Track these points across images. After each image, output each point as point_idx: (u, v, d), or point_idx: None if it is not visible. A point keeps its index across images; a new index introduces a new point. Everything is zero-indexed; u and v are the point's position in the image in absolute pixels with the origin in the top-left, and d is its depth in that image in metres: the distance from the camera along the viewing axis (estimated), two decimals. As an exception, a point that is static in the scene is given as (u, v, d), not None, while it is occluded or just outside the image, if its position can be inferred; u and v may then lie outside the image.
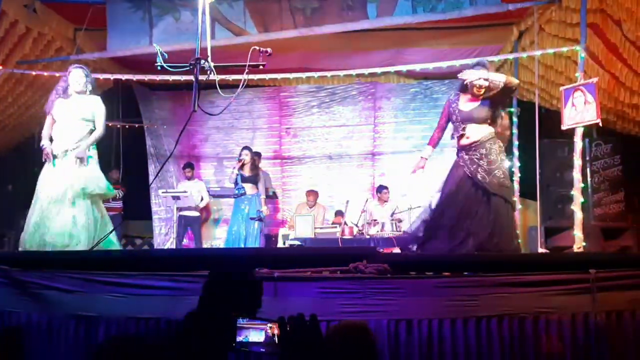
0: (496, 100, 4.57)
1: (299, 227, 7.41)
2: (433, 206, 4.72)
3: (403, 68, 7.03)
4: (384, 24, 6.60)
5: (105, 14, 6.63)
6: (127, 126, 9.21)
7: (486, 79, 4.47)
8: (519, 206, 7.19)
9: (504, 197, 4.52)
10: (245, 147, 7.47)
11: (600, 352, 3.03)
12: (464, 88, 4.64)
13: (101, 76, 7.28)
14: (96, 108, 4.92)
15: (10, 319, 3.20)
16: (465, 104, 4.65)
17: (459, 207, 4.54)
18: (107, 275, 3.22)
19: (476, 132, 4.57)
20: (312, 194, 8.54)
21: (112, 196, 5.61)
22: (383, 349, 3.07)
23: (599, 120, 5.04)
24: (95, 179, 4.83)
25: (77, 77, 4.92)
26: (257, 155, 8.27)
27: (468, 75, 4.55)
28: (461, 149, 4.65)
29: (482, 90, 4.51)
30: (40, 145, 4.90)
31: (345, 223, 7.55)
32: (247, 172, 7.23)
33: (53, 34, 7.04)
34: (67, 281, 3.23)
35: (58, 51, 7.31)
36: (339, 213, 8.31)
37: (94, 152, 4.93)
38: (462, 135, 4.62)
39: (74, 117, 4.86)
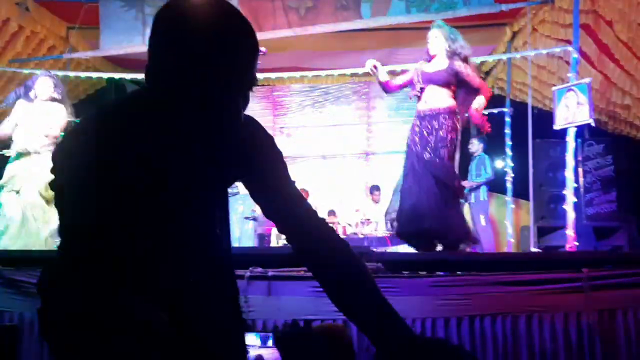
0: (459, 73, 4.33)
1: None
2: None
3: (397, 68, 6.99)
4: (378, 24, 6.60)
5: (98, 13, 6.59)
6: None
7: (436, 36, 4.35)
8: (511, 206, 7.22)
9: (446, 182, 4.21)
10: None
11: (593, 350, 3.06)
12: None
13: (94, 75, 7.26)
14: (60, 118, 4.85)
15: (2, 317, 3.19)
16: (429, 65, 4.42)
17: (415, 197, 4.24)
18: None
19: (435, 99, 4.31)
20: (303, 191, 8.51)
21: None
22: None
23: (591, 121, 5.06)
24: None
25: (44, 85, 4.86)
26: None
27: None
28: (417, 115, 4.43)
29: (431, 45, 4.37)
30: None
31: (338, 222, 7.55)
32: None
33: (45, 33, 7.00)
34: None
35: (51, 50, 7.27)
36: (332, 212, 8.31)
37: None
38: (419, 97, 4.42)
39: (38, 125, 4.78)
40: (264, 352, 1.89)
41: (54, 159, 1.24)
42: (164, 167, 1.15)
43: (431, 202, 4.16)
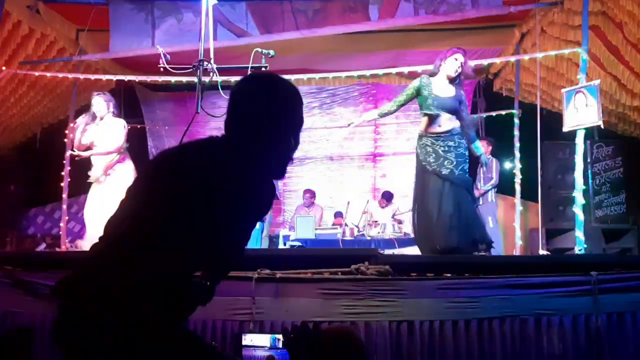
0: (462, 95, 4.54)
1: (300, 228, 7.39)
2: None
3: (405, 69, 7.01)
4: (386, 26, 6.60)
5: (107, 15, 6.64)
6: (129, 127, 9.21)
7: (462, 63, 4.44)
8: (519, 208, 7.20)
9: (467, 189, 4.49)
10: None
11: (602, 353, 3.05)
12: (434, 73, 4.54)
13: (103, 77, 7.31)
14: (119, 131, 5.33)
15: (14, 319, 3.22)
16: (441, 90, 4.47)
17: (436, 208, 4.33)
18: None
19: (448, 122, 4.43)
20: (308, 192, 8.54)
21: None
22: (384, 350, 3.08)
23: (600, 122, 5.04)
24: None
25: (99, 104, 5.33)
26: None
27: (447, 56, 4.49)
28: (427, 135, 4.48)
29: (456, 74, 4.44)
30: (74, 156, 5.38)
31: (345, 224, 7.54)
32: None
33: (56, 35, 7.05)
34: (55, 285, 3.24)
35: (60, 52, 7.32)
36: (339, 214, 8.31)
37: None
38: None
39: (103, 141, 5.27)
40: (274, 353, 1.90)
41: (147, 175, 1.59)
42: (224, 198, 1.46)
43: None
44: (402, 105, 4.69)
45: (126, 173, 5.23)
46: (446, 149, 4.38)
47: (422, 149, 4.49)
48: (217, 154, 1.55)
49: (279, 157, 1.66)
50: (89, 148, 5.34)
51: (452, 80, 4.48)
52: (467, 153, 4.49)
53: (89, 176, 5.36)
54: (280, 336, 1.96)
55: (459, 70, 4.44)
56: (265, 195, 1.61)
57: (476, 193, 6.58)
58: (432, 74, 4.54)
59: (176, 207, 1.43)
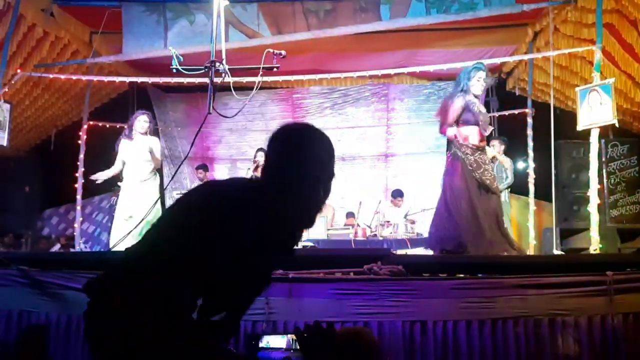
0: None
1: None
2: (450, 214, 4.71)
3: (417, 69, 7.00)
4: (397, 26, 6.58)
5: (120, 18, 6.69)
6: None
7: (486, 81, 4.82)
8: (533, 207, 7.14)
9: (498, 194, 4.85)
10: (261, 149, 7.47)
11: (618, 354, 3.01)
12: (469, 90, 4.76)
13: (116, 79, 7.36)
14: (157, 148, 5.72)
15: (29, 318, 3.25)
16: (481, 106, 4.86)
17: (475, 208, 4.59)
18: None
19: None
20: None
21: None
22: (398, 350, 3.07)
23: (615, 121, 4.99)
24: None
25: (142, 122, 5.68)
26: None
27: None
28: (467, 147, 4.71)
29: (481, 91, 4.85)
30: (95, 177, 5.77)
31: (357, 224, 7.53)
32: (261, 173, 7.26)
33: (69, 38, 7.13)
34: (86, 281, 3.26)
35: (74, 54, 7.39)
36: (351, 214, 8.29)
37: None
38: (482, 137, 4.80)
39: (139, 158, 5.58)
40: (289, 354, 1.90)
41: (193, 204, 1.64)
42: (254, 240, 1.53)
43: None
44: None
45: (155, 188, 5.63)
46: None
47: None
48: (251, 198, 1.60)
49: (307, 206, 1.68)
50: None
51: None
52: None
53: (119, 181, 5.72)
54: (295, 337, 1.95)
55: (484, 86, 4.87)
56: (284, 241, 1.66)
57: None
58: (465, 90, 4.78)
59: (199, 238, 1.50)
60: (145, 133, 5.67)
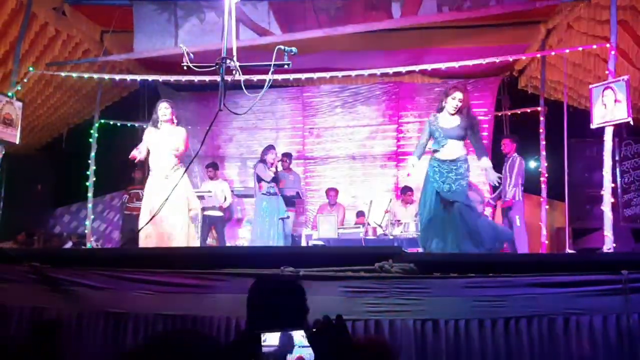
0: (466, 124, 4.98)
1: (322, 227, 7.38)
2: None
3: (428, 67, 6.95)
4: (409, 23, 6.55)
5: (131, 16, 6.71)
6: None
7: (460, 100, 4.89)
8: (546, 206, 7.07)
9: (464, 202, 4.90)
10: (271, 146, 7.51)
11: (633, 354, 2.97)
12: (441, 108, 5.04)
13: (128, 77, 7.39)
14: (181, 137, 5.51)
15: (41, 315, 3.26)
16: (446, 121, 5.00)
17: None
18: (135, 272, 3.25)
19: (453, 150, 4.94)
20: (332, 191, 8.53)
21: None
22: (409, 349, 3.05)
23: (629, 119, 4.93)
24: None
25: (163, 109, 5.49)
26: (287, 157, 8.33)
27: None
28: (436, 160, 5.00)
29: (455, 110, 4.92)
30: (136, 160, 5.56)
31: (368, 224, 7.50)
32: (274, 172, 7.32)
33: (81, 36, 7.17)
34: (97, 278, 3.27)
35: (86, 53, 7.44)
36: (361, 214, 8.27)
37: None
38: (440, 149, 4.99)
39: (165, 146, 5.41)
40: (303, 352, 1.88)
41: None
42: None
43: None
44: (425, 145, 5.23)
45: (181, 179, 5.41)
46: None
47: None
48: None
49: None
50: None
51: (455, 113, 4.96)
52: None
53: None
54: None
55: (459, 105, 4.92)
56: None
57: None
58: (440, 109, 5.08)
59: None
60: (171, 121, 5.50)
